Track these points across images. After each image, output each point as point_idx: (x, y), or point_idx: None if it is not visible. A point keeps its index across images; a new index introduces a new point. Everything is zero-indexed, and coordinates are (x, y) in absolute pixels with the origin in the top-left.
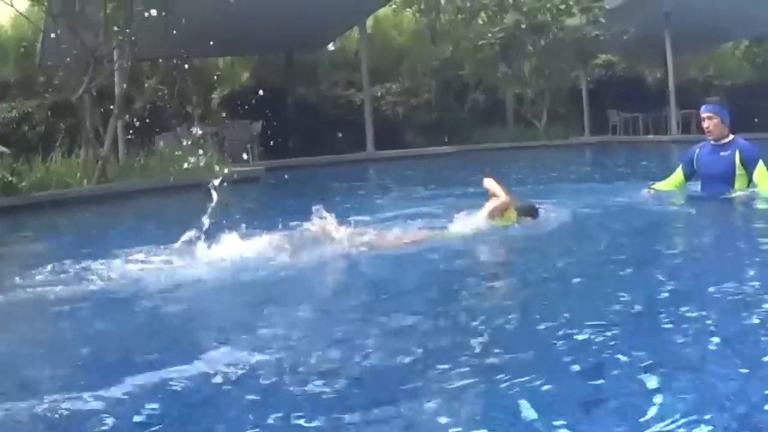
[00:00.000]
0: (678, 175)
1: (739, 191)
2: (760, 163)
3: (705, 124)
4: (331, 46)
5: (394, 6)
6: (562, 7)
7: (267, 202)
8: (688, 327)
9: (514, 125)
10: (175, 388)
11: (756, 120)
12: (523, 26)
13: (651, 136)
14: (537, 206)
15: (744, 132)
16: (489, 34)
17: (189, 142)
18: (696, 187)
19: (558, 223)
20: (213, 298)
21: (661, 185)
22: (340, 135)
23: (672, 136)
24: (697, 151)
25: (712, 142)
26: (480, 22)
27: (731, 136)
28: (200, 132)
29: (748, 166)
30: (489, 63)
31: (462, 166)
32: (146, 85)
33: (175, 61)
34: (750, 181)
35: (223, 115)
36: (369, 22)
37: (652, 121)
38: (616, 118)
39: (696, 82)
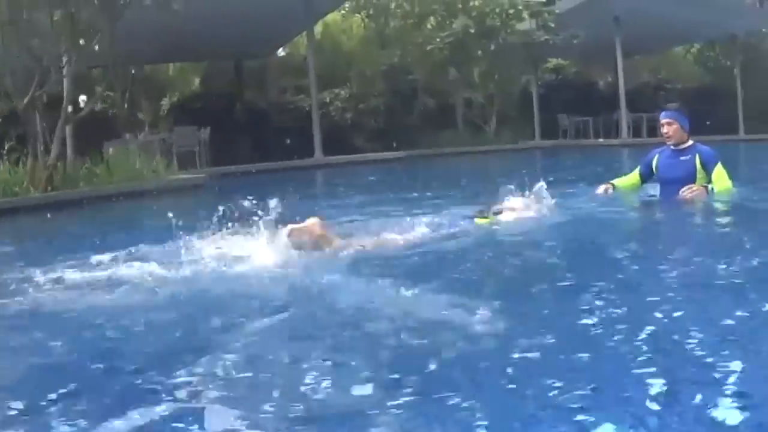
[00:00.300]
0: (634, 176)
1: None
2: (719, 164)
3: (664, 130)
4: (281, 52)
5: (343, 11)
6: (512, 11)
7: (206, 210)
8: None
9: (464, 130)
10: None
11: (708, 123)
12: (472, 31)
13: (601, 140)
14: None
15: (696, 135)
16: (437, 39)
17: (137, 149)
18: (654, 190)
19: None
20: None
21: (619, 182)
22: (288, 141)
23: (622, 139)
24: (657, 155)
25: (672, 146)
26: (429, 26)
27: (690, 141)
28: (149, 139)
29: (708, 168)
30: (438, 68)
31: (409, 171)
32: (96, 91)
33: (124, 67)
34: (709, 182)
35: (173, 121)
36: (318, 27)
37: (603, 125)
38: (566, 122)
39: (648, 85)
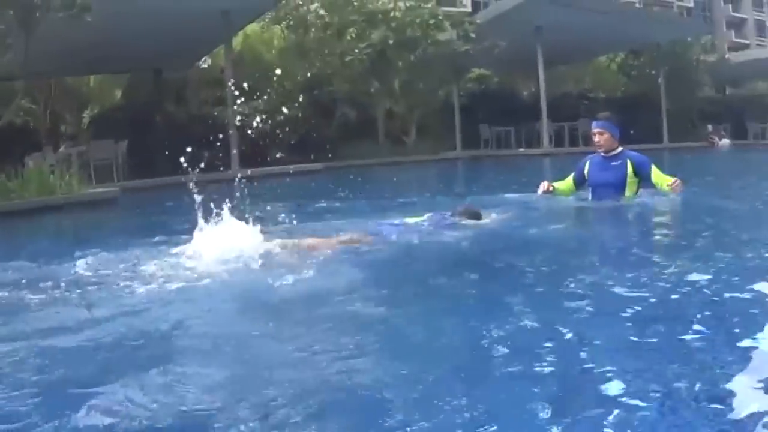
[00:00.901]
0: (569, 181)
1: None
2: (653, 166)
3: (596, 139)
4: (203, 64)
5: (263, 23)
6: (432, 22)
7: (117, 224)
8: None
9: (385, 141)
10: None
11: (632, 132)
12: (392, 42)
13: (522, 150)
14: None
15: (620, 145)
16: (357, 50)
17: (55, 163)
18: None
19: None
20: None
21: (558, 185)
22: (206, 154)
23: (543, 149)
24: (588, 162)
25: (602, 154)
26: (349, 38)
27: (620, 148)
28: (68, 152)
29: (642, 172)
30: (359, 79)
31: (327, 183)
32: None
33: (43, 80)
34: (638, 188)
35: (93, 134)
36: (239, 38)
37: (525, 135)
38: (488, 133)
39: (571, 95)
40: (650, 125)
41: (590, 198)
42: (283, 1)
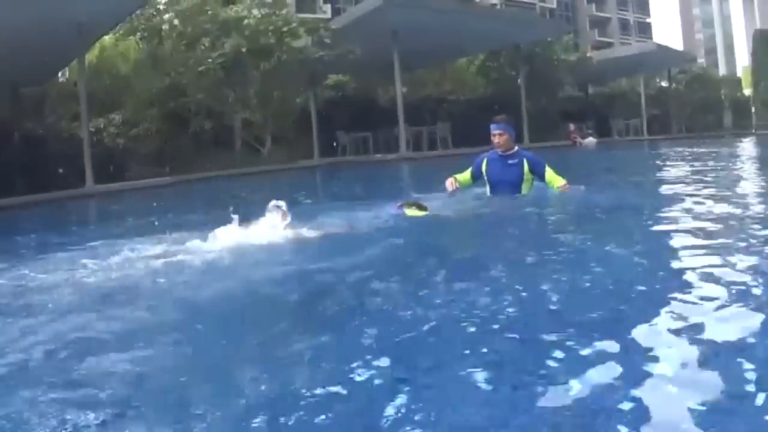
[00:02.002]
0: (467, 174)
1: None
2: (547, 166)
3: (496, 140)
4: (62, 77)
5: (117, 34)
6: (286, 29)
7: None
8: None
9: (242, 151)
10: None
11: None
12: (244, 50)
13: (379, 156)
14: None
15: (472, 147)
16: (209, 60)
17: None
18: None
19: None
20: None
21: (459, 176)
22: (61, 170)
23: (400, 154)
24: (485, 159)
25: (500, 153)
26: (202, 47)
27: (516, 148)
28: None
29: (537, 172)
30: (214, 89)
31: (180, 196)
32: None
33: None
34: (532, 185)
35: None
36: (95, 51)
37: (384, 140)
38: (345, 139)
39: (431, 98)
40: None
41: (488, 193)
42: (138, 12)
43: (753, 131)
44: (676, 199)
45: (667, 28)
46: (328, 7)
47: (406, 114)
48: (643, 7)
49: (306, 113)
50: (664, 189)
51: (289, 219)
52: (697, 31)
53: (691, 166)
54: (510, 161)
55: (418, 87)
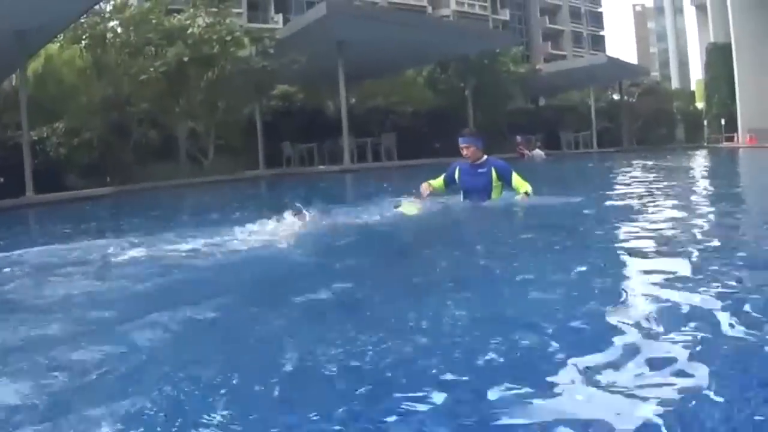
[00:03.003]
0: (440, 181)
1: (519, 197)
2: (514, 173)
3: (464, 152)
4: (8, 86)
5: (60, 43)
6: (229, 38)
7: None
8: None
9: (186, 162)
10: None
11: (437, 146)
12: (186, 59)
13: (322, 167)
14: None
15: (425, 158)
16: (152, 69)
17: None
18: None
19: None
20: None
21: (434, 182)
22: (1, 179)
23: (344, 165)
24: (458, 168)
25: (470, 163)
26: (144, 56)
27: (485, 157)
28: None
29: (505, 178)
30: (158, 98)
31: (118, 207)
32: None
33: None
34: (502, 191)
35: None
36: (41, 59)
37: (329, 151)
38: (290, 150)
39: (378, 109)
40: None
41: (462, 199)
42: (82, 20)
43: (705, 144)
44: (612, 211)
45: (622, 42)
46: (279, 17)
47: (353, 125)
48: (597, 20)
49: (253, 123)
50: (601, 200)
51: (307, 219)
52: (651, 45)
53: (633, 178)
54: (479, 170)
55: (367, 98)
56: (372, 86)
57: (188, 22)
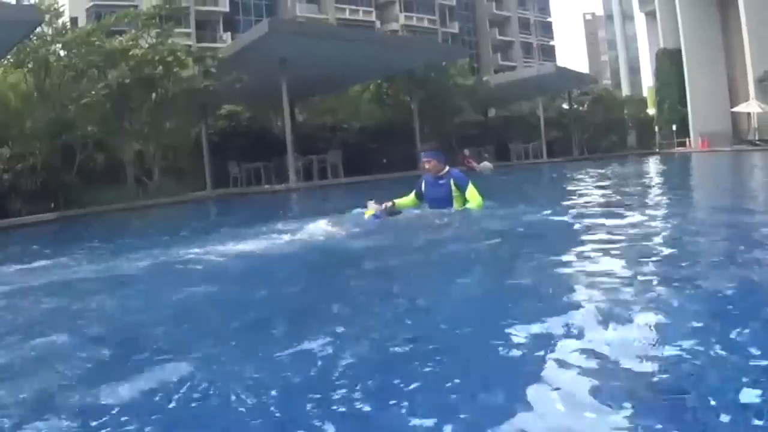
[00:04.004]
0: (412, 196)
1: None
2: (470, 184)
3: (426, 166)
4: None
5: (3, 67)
6: (170, 59)
7: None
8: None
9: (133, 185)
10: None
11: (385, 161)
12: (127, 81)
13: (268, 186)
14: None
15: (373, 174)
16: (93, 92)
17: None
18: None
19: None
20: None
21: (400, 201)
22: None
23: (289, 184)
24: (423, 182)
25: (433, 175)
26: (86, 79)
27: (447, 168)
28: None
29: (461, 189)
30: (103, 121)
31: (61, 233)
32: None
33: None
34: (464, 201)
35: None
36: None
37: (275, 170)
38: (236, 170)
39: (325, 126)
40: (406, 153)
41: (428, 208)
42: (26, 43)
43: (657, 150)
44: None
45: (573, 51)
46: (228, 36)
47: (301, 143)
48: (547, 30)
49: (200, 144)
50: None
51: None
52: (603, 53)
53: (576, 185)
54: (440, 182)
55: (315, 115)
56: (320, 103)
57: (131, 43)
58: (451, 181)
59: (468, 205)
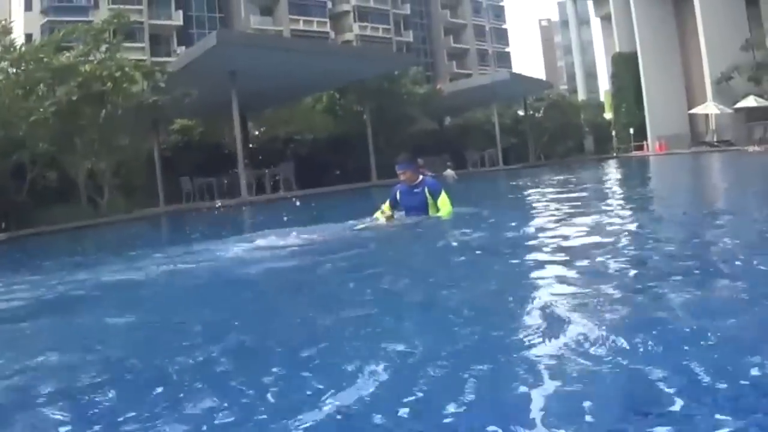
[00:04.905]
0: (387, 204)
1: (433, 216)
2: (442, 192)
3: (401, 177)
4: None
5: None
6: (119, 74)
7: None
8: None
9: (87, 203)
10: None
11: (338, 173)
12: (74, 98)
13: (219, 202)
14: None
15: (327, 186)
16: (42, 109)
17: None
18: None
19: None
20: None
21: (385, 207)
22: None
23: (241, 198)
24: (398, 190)
25: (407, 185)
26: (35, 96)
27: (421, 177)
28: None
29: (433, 196)
30: (53, 138)
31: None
32: None
33: None
34: (438, 208)
35: None
36: None
37: (228, 185)
38: (189, 185)
39: (278, 138)
40: (360, 164)
41: (405, 216)
42: None
43: (614, 154)
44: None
45: (529, 57)
46: (182, 50)
47: (253, 156)
48: (502, 37)
49: (153, 160)
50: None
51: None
52: (559, 59)
53: (523, 193)
54: (415, 190)
55: (268, 128)
56: (272, 116)
57: (80, 59)
58: (426, 190)
59: (439, 213)
